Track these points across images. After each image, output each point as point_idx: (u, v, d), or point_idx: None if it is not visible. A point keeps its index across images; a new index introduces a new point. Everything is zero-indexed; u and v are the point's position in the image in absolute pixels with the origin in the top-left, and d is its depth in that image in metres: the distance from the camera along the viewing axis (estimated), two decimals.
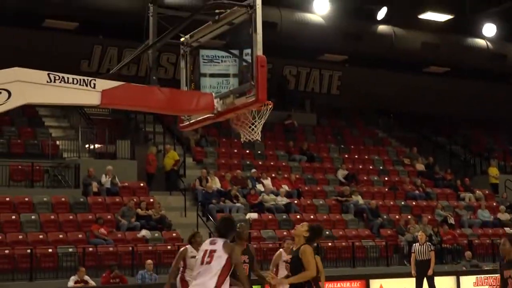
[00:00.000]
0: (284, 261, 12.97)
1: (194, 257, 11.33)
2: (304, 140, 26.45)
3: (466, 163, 29.25)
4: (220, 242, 6.75)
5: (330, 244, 19.76)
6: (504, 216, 24.07)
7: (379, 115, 30.45)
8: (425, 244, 15.79)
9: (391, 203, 23.44)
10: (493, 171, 27.28)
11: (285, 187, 22.22)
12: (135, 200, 19.21)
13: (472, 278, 19.06)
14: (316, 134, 27.82)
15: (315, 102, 29.09)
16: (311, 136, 27.42)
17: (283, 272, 13.04)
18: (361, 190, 23.43)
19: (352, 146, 27.30)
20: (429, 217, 22.64)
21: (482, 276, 19.26)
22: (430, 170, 26.72)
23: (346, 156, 26.36)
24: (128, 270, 16.77)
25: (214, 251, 6.67)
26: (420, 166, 26.72)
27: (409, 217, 22.19)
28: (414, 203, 23.67)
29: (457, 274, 19.04)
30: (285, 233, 18.85)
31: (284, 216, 20.68)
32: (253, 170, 22.78)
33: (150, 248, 17.53)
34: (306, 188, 23.04)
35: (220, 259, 6.58)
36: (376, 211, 22.16)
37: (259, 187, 21.93)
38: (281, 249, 13.01)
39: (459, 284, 18.73)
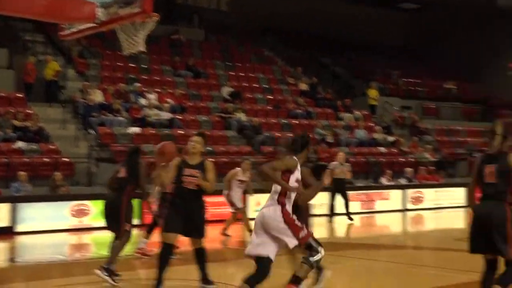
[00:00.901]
0: (238, 180, 13.20)
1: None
2: (191, 56, 26.25)
3: (347, 85, 30.07)
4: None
5: (212, 159, 19.93)
6: (379, 136, 25.07)
7: (267, 34, 30.55)
8: (344, 164, 17.24)
9: (274, 121, 23.86)
10: (373, 93, 28.16)
11: (169, 102, 22.11)
12: (12, 111, 18.58)
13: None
14: (203, 50, 27.64)
15: (204, 17, 28.77)
16: (198, 52, 27.23)
17: (237, 190, 13.30)
18: (244, 107, 23.69)
19: (238, 64, 27.38)
20: (309, 135, 23.19)
21: (355, 192, 20.13)
22: (313, 90, 27.29)
23: (232, 73, 26.44)
24: (2, 181, 16.36)
25: None
26: (303, 86, 27.20)
27: (289, 135, 22.69)
28: (295, 121, 24.20)
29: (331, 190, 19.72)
30: None
31: (167, 131, 20.64)
32: (137, 84, 22.48)
33: (26, 160, 17.12)
34: (190, 104, 23.02)
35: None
36: (258, 129, 22.53)
37: (143, 101, 21.72)
38: (237, 168, 13.24)
39: (333, 200, 19.46)
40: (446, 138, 28.12)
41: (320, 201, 18.73)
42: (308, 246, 6.51)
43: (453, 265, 10.10)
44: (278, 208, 6.33)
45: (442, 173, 24.34)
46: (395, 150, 24.62)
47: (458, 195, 22.44)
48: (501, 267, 6.31)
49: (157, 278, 7.67)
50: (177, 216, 7.73)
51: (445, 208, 21.51)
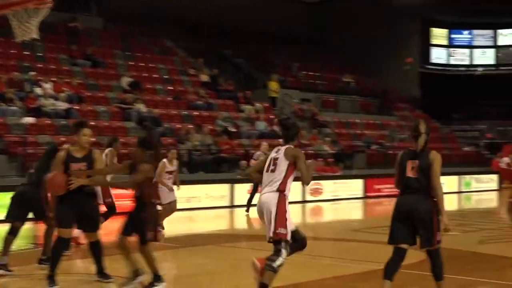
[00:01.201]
0: (167, 171, 12.79)
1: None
2: (89, 45, 25.64)
3: (248, 76, 30.23)
4: (282, 149, 6.92)
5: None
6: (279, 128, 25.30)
7: (168, 24, 30.23)
8: (267, 154, 16.52)
9: (174, 112, 23.67)
10: (273, 85, 28.43)
11: (66, 92, 21.52)
12: None
13: (246, 186, 19.98)
14: (102, 39, 27.06)
15: (102, 5, 28.15)
16: (97, 41, 26.63)
17: (165, 180, 12.86)
18: (144, 98, 23.37)
19: (138, 54, 26.98)
20: (210, 127, 23.21)
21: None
22: (214, 81, 27.25)
23: (132, 63, 26.03)
24: None
25: (277, 158, 6.84)
26: (204, 77, 27.13)
27: (190, 126, 22.60)
28: (196, 113, 24.09)
29: (232, 182, 19.85)
30: (63, 138, 18.34)
31: (64, 122, 20.08)
32: (32, 73, 21.74)
33: None
34: (88, 94, 22.49)
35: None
36: (158, 120, 22.29)
37: (38, 90, 21.03)
38: (164, 160, 12.80)
39: (233, 191, 19.60)
40: (344, 130, 28.76)
41: (219, 193, 18.80)
42: (277, 245, 6.65)
43: (350, 256, 10.32)
44: (277, 195, 6.68)
45: (341, 165, 24.88)
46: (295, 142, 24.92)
47: (356, 186, 23.05)
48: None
49: (50, 272, 7.53)
50: (69, 210, 7.58)
51: (343, 200, 22.01)
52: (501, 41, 38.39)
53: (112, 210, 11.48)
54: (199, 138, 21.66)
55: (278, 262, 6.71)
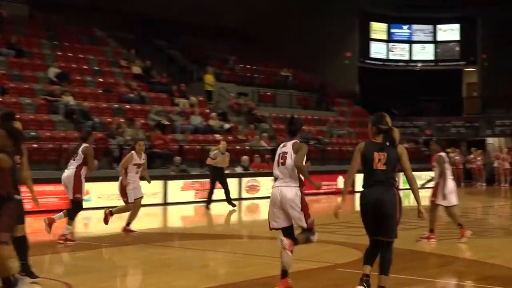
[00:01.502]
0: (135, 164, 12.40)
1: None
2: (13, 33, 25.02)
3: (183, 69, 30.06)
4: (289, 143, 7.72)
5: (35, 145, 19.18)
6: (215, 123, 25.29)
7: (99, 13, 29.78)
8: (225, 153, 18.09)
9: (104, 105, 23.34)
10: (209, 78, 28.36)
11: None
12: None
13: (180, 183, 19.90)
14: (28, 27, 26.45)
15: None
16: (22, 29, 26.01)
17: (135, 176, 12.48)
18: (73, 90, 22.97)
19: (67, 44, 26.48)
20: (142, 121, 22.99)
21: (189, 181, 20.21)
22: (146, 73, 27.00)
23: (59, 53, 25.53)
24: None
25: (286, 152, 7.63)
26: (137, 69, 26.85)
27: (122, 120, 22.34)
28: (128, 106, 23.82)
29: (165, 178, 19.69)
30: None
31: None
32: None
33: None
34: (12, 85, 21.95)
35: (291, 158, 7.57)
36: (87, 113, 21.93)
37: None
38: (132, 152, 12.40)
39: (166, 189, 19.45)
40: (282, 126, 28.88)
41: (152, 190, 18.63)
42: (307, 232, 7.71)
43: None
44: (297, 189, 7.55)
45: None
46: (231, 138, 24.95)
47: None
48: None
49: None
50: None
51: None
52: (440, 37, 39.21)
53: (77, 207, 11.42)
54: (130, 132, 21.43)
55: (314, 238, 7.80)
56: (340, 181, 24.93)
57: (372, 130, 7.03)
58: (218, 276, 8.84)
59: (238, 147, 24.31)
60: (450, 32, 39.08)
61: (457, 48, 38.94)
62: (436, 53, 39.21)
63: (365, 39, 37.92)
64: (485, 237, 12.94)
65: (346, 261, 9.56)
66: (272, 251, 11.13)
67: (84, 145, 11.43)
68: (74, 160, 11.42)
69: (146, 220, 15.09)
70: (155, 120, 23.29)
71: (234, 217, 17.66)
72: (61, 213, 11.48)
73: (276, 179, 7.67)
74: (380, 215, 6.86)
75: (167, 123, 23.22)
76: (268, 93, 31.34)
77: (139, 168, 12.51)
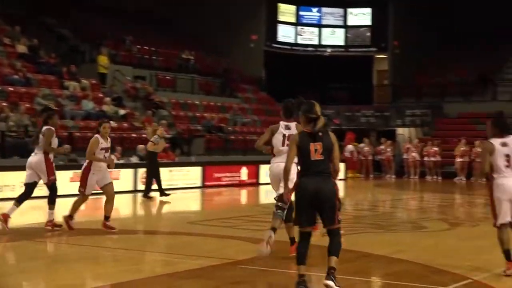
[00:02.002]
0: (102, 148, 11.82)
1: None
2: None
3: (74, 49, 29.48)
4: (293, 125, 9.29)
5: None
6: (109, 108, 24.95)
7: None
8: (162, 139, 18.95)
9: None
10: (103, 59, 27.94)
11: None
12: None
13: (69, 173, 19.49)
14: None
15: None
16: None
17: (101, 164, 11.90)
18: None
19: None
20: (28, 105, 22.43)
21: (80, 171, 19.81)
22: (33, 53, 26.33)
23: None
24: None
25: (292, 134, 8.72)
26: (22, 48, 26.15)
27: (4, 104, 21.72)
28: (11, 89, 23.19)
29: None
30: None
31: None
32: None
33: None
34: None
35: None
36: None
37: None
38: (97, 135, 12.00)
39: None
40: (182, 112, 28.83)
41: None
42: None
43: (185, 251, 10.39)
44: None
45: (177, 151, 24.93)
46: (126, 125, 24.69)
47: (193, 175, 23.19)
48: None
49: None
50: None
51: (180, 189, 22.07)
52: (351, 21, 40.00)
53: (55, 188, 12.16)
54: (14, 118, 20.86)
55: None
56: (244, 173, 25.13)
57: (302, 119, 7.42)
58: (109, 275, 8.75)
59: (134, 135, 24.08)
60: (361, 16, 39.91)
61: (368, 34, 39.86)
62: (346, 38, 39.99)
63: (272, 22, 38.26)
64: (394, 231, 13.33)
65: (248, 257, 9.64)
66: (170, 247, 11.11)
67: (46, 127, 11.96)
68: (39, 144, 12.01)
69: (31, 214, 14.74)
70: (42, 105, 22.74)
71: (128, 211, 17.50)
72: (13, 205, 12.06)
73: (275, 156, 9.38)
74: (322, 205, 7.30)
75: (55, 108, 22.72)
76: (168, 77, 31.16)
77: (107, 153, 12.19)
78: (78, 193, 12.21)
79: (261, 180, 25.83)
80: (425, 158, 30.48)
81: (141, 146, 22.67)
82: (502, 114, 9.05)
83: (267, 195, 23.32)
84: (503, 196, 8.55)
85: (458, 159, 29.40)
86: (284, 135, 9.26)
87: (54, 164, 12.17)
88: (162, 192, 19.10)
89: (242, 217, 14.86)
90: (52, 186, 12.11)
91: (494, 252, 9.16)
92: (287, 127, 9.34)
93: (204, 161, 24.52)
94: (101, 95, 25.97)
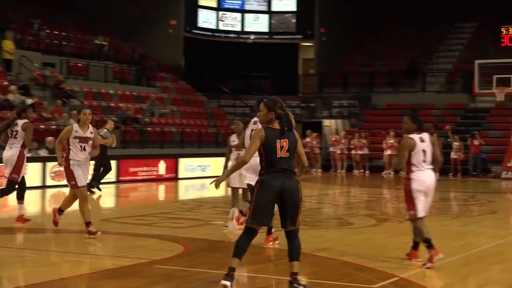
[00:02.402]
0: (77, 137, 11.15)
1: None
2: None
3: None
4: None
5: None
6: (15, 97, 24.47)
7: None
8: (112, 133, 19.25)
9: None
10: (8, 44, 27.37)
11: None
12: None
13: None
14: None
15: None
16: None
17: (76, 148, 11.13)
18: None
19: None
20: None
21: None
22: None
23: None
24: None
25: None
26: None
27: None
28: None
29: None
30: None
31: None
32: None
33: None
34: None
35: None
36: None
37: None
38: (74, 124, 11.34)
39: None
40: (95, 102, 28.50)
41: None
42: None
43: (98, 250, 10.34)
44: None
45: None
46: (34, 115, 24.23)
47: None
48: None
49: None
50: None
51: None
52: (275, 7, 40.16)
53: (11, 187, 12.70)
54: None
55: None
56: (162, 167, 25.07)
57: (269, 115, 7.45)
58: (17, 277, 8.62)
59: (42, 126, 23.70)
60: (286, 2, 40.14)
61: (294, 20, 40.12)
62: (270, 24, 40.16)
63: (192, 6, 38.12)
64: (319, 228, 13.52)
65: (165, 257, 9.64)
66: (81, 246, 11.00)
67: (23, 121, 12.49)
68: (15, 138, 12.51)
69: None
70: None
71: (36, 208, 17.24)
72: (18, 204, 12.85)
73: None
74: (286, 203, 7.47)
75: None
76: (79, 64, 30.75)
77: (84, 143, 11.29)
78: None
79: (180, 175, 25.83)
80: (352, 151, 30.97)
81: (50, 138, 22.33)
82: (417, 110, 9.91)
83: (187, 191, 23.38)
84: (419, 187, 9.28)
85: (386, 152, 29.94)
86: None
87: (25, 162, 12.70)
88: (97, 186, 19.79)
89: (159, 214, 14.84)
90: (11, 183, 12.58)
91: (422, 249, 9.40)
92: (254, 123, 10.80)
93: (118, 155, 24.31)
94: (6, 83, 25.46)
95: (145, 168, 24.38)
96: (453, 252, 10.33)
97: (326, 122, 35.95)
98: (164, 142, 27.27)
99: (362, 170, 30.76)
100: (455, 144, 29.14)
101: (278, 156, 7.43)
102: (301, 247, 7.63)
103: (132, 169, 24.01)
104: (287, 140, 7.45)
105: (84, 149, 11.34)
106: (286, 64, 39.55)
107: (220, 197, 18.66)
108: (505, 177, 28.04)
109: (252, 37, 39.98)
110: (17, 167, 12.46)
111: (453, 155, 29.05)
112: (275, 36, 40.08)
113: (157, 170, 24.89)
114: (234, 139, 12.46)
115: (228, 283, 7.33)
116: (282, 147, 7.44)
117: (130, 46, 34.57)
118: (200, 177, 25.43)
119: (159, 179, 24.58)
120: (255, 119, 10.48)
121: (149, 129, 27.94)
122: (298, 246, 7.59)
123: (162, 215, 14.65)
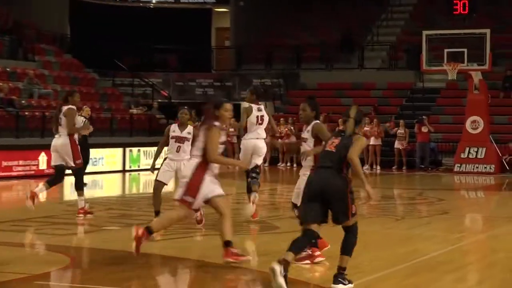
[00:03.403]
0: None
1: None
2: None
3: None
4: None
5: None
6: None
7: None
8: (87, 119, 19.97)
9: None
10: None
11: None
12: None
13: None
14: None
15: None
16: None
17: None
18: None
19: None
20: None
21: None
22: None
23: None
24: None
25: (263, 115, 14.48)
26: None
27: None
28: None
29: None
30: None
31: None
32: None
33: None
34: None
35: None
36: None
37: None
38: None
39: None
40: None
41: None
42: None
43: None
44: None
45: None
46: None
47: None
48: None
49: None
50: None
51: None
52: None
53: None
54: None
55: None
56: (43, 160, 24.69)
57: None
58: None
59: None
60: None
61: None
62: None
63: None
64: (238, 233, 13.50)
65: (47, 271, 9.51)
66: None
67: (67, 106, 14.26)
68: (61, 125, 14.34)
69: None
70: None
71: None
72: (42, 185, 14.31)
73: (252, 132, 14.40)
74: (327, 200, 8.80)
75: None
76: None
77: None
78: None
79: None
80: (279, 141, 31.09)
81: None
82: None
83: (74, 189, 23.10)
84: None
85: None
86: (257, 116, 14.62)
87: (79, 147, 14.62)
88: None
89: (40, 219, 14.64)
90: (78, 171, 14.58)
91: (360, 255, 9.49)
92: (259, 109, 14.76)
93: None
94: None
95: (21, 162, 24.01)
96: (398, 260, 10.48)
97: (246, 105, 35.98)
98: (45, 130, 26.89)
99: (289, 163, 30.91)
100: (399, 132, 29.48)
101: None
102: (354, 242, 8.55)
103: (5, 163, 23.61)
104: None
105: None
106: (196, 35, 39.46)
107: (114, 197, 18.56)
108: (458, 171, 28.40)
109: (154, 1, 39.81)
110: (76, 153, 14.34)
111: (396, 144, 29.45)
112: (182, 1, 39.99)
113: (37, 165, 24.54)
114: (174, 129, 13.38)
115: (277, 267, 8.22)
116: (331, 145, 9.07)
117: (2, 11, 33.98)
118: (90, 172, 25.11)
119: (40, 175, 24.19)
120: (257, 106, 14.92)
121: (26, 113, 27.50)
122: (351, 241, 8.64)
123: (44, 220, 14.48)
